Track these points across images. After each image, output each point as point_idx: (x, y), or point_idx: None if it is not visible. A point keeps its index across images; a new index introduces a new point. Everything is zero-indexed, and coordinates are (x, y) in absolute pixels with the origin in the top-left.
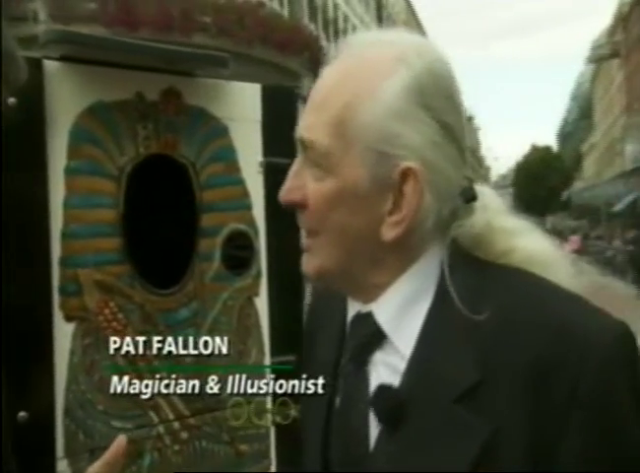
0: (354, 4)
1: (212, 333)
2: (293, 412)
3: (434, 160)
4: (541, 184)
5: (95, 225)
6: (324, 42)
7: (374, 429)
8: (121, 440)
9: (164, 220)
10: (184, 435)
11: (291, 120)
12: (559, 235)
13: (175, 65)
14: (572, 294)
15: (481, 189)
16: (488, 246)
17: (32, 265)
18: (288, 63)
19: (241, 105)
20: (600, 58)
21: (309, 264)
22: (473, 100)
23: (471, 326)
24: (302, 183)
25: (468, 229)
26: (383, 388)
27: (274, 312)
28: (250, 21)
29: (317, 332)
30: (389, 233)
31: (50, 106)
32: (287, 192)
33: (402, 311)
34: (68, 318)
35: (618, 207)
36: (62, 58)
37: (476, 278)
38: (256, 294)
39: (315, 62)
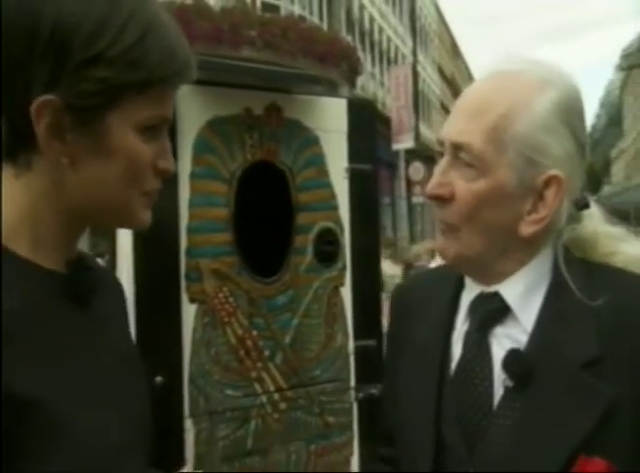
0: (389, 16)
1: (305, 318)
2: (374, 390)
3: (571, 171)
4: None
5: (212, 221)
6: (360, 53)
7: (498, 389)
8: None
9: (266, 218)
10: (283, 405)
11: (371, 131)
12: None
13: (277, 83)
14: None
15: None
16: (592, 250)
17: (164, 255)
18: (327, 73)
19: (330, 118)
20: (630, 66)
21: (449, 250)
22: None
23: (588, 310)
24: (450, 181)
25: (577, 232)
26: (515, 352)
27: (356, 301)
28: (293, 34)
29: (413, 319)
30: (527, 229)
31: (180, 122)
32: (434, 187)
33: (525, 293)
34: (191, 300)
35: None
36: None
37: (586, 273)
38: (342, 284)
39: (353, 72)
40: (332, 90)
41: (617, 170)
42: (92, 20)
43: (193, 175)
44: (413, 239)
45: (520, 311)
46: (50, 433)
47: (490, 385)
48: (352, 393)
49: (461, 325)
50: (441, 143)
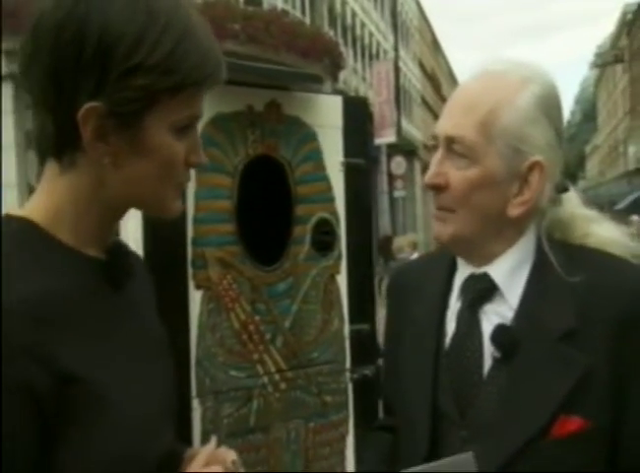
0: (371, 12)
1: (303, 304)
2: (368, 372)
3: (552, 157)
4: None
5: (216, 212)
6: (343, 48)
7: (487, 360)
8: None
9: (267, 209)
10: (283, 385)
11: (365, 127)
12: None
13: (277, 81)
14: None
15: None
16: (569, 230)
17: (172, 244)
18: (310, 68)
19: (327, 114)
20: (604, 63)
21: (444, 232)
22: None
23: (566, 287)
24: (445, 171)
25: (557, 214)
26: (501, 327)
27: (351, 288)
28: (276, 28)
29: (410, 298)
30: (514, 210)
31: None
32: (431, 177)
33: (511, 273)
34: (197, 287)
35: (621, 205)
36: None
37: (565, 253)
38: (338, 272)
39: (335, 67)
40: (319, 85)
41: (592, 166)
42: (132, 31)
43: (199, 169)
44: (395, 233)
45: (506, 290)
46: (94, 405)
47: (480, 357)
48: (348, 374)
49: (454, 304)
50: (435, 137)
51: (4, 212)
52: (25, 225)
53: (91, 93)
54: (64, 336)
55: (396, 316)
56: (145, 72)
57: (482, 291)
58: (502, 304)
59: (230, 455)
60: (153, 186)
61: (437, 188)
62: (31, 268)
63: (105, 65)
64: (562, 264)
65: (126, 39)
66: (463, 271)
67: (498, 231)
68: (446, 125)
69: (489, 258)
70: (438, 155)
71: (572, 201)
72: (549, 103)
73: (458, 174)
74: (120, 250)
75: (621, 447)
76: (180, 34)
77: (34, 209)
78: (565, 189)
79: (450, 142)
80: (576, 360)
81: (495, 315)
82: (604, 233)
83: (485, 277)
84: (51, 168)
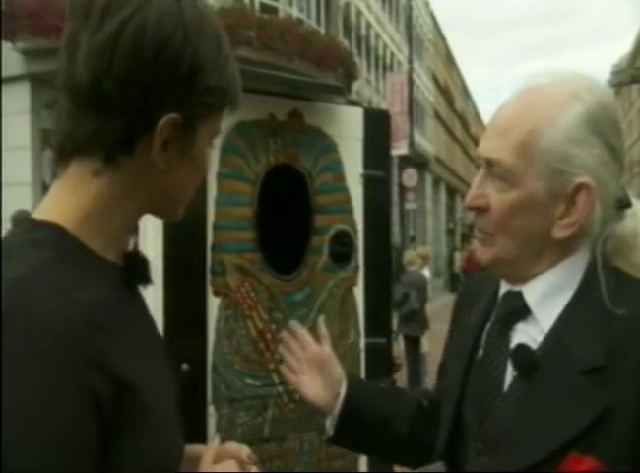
0: (385, 23)
1: (319, 314)
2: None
3: (603, 176)
4: None
5: (236, 220)
6: (357, 59)
7: (509, 376)
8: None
9: (287, 218)
10: (298, 396)
11: (386, 140)
12: None
13: (300, 92)
14: None
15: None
16: (631, 250)
17: (192, 250)
18: (323, 77)
19: (347, 126)
20: (620, 83)
21: (486, 255)
22: None
23: (605, 319)
24: (485, 193)
25: (618, 231)
26: (521, 346)
27: (368, 301)
28: (290, 36)
29: (469, 308)
30: (560, 232)
31: None
32: (471, 199)
33: (547, 295)
34: (215, 293)
35: None
36: None
37: (615, 280)
38: (355, 284)
39: (349, 77)
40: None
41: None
42: (211, 57)
43: (220, 176)
44: (404, 245)
45: (538, 312)
46: (140, 409)
47: (503, 373)
48: None
49: (494, 318)
50: (478, 158)
51: (16, 208)
52: (57, 231)
53: (173, 106)
54: (116, 343)
55: (455, 321)
56: (213, 92)
57: (515, 309)
58: (534, 326)
59: (244, 450)
60: (186, 191)
61: (478, 210)
62: (79, 278)
63: (192, 83)
64: (611, 293)
65: (208, 63)
66: (504, 287)
67: (540, 252)
68: (485, 147)
69: (528, 279)
70: (479, 176)
71: (637, 217)
72: (599, 120)
73: (498, 198)
74: (137, 256)
75: None
76: (235, 65)
77: (62, 213)
78: (628, 205)
79: (489, 165)
80: (596, 397)
81: (525, 336)
82: None
83: (519, 296)
84: (81, 168)
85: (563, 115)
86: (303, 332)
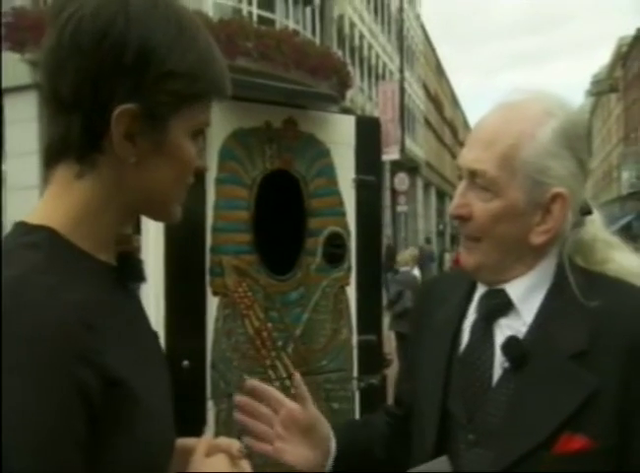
0: (378, 35)
1: (314, 313)
2: (374, 380)
3: (574, 186)
4: None
5: (234, 223)
6: (350, 68)
7: (497, 369)
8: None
9: (282, 221)
10: (293, 391)
11: (377, 146)
12: None
13: (295, 100)
14: None
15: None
16: (590, 254)
17: (191, 251)
18: (318, 86)
19: (340, 132)
20: (599, 92)
21: (470, 261)
22: None
23: (582, 310)
24: (468, 202)
25: (580, 236)
26: (512, 338)
27: (360, 299)
28: (287, 47)
29: (432, 311)
30: (537, 239)
31: (208, 132)
32: (455, 208)
33: (528, 292)
34: (214, 293)
35: (614, 228)
36: None
37: (585, 277)
38: (347, 283)
39: (343, 85)
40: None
41: (586, 190)
42: (165, 41)
43: (218, 181)
44: (397, 247)
45: (521, 306)
46: (132, 405)
47: (491, 367)
48: (355, 382)
49: (471, 315)
50: (459, 169)
51: (23, 211)
52: (49, 234)
53: (126, 95)
54: (106, 340)
55: (419, 322)
56: (176, 78)
57: (498, 305)
58: (517, 320)
59: (235, 445)
60: (168, 188)
61: (461, 219)
62: (67, 278)
63: (142, 70)
64: (581, 288)
65: (161, 47)
66: (482, 287)
67: (519, 258)
68: (468, 158)
69: (507, 282)
70: (462, 186)
71: (595, 223)
72: (571, 136)
73: (481, 206)
74: (129, 255)
75: (630, 471)
76: (202, 48)
77: (51, 216)
78: (589, 212)
79: (473, 175)
80: (585, 380)
81: (509, 329)
82: (624, 262)
83: (502, 293)
84: (65, 172)
85: (540, 131)
86: (272, 390)
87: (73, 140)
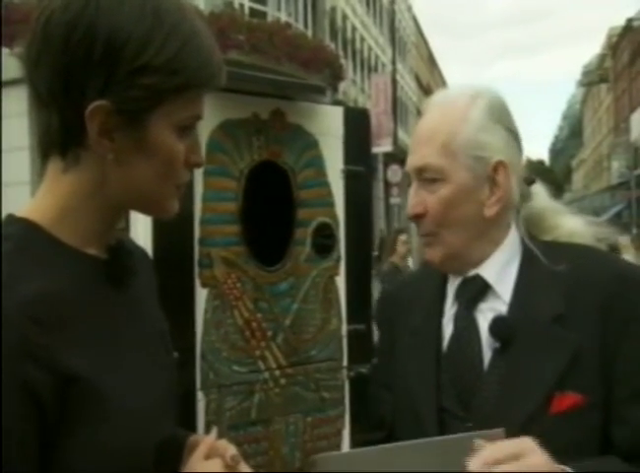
0: (370, 27)
1: (303, 303)
2: (364, 369)
3: (511, 154)
4: None
5: (222, 214)
6: (343, 61)
7: (487, 354)
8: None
9: (271, 212)
10: (283, 381)
11: (365, 137)
12: None
13: (282, 91)
14: (615, 255)
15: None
16: (541, 222)
17: (180, 243)
18: (311, 79)
19: (328, 124)
20: (590, 82)
21: (435, 255)
22: None
23: (553, 276)
24: (422, 199)
25: (529, 209)
26: (498, 318)
27: (349, 289)
28: (279, 39)
29: (406, 315)
30: (490, 210)
31: None
32: (412, 208)
33: (501, 271)
34: (203, 285)
35: (605, 217)
36: None
37: (545, 246)
38: (337, 273)
39: (335, 78)
40: (322, 96)
41: (578, 179)
42: (140, 33)
43: (206, 173)
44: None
45: (498, 287)
46: (95, 402)
47: (480, 352)
48: (345, 372)
49: (449, 310)
50: (408, 176)
51: (16, 206)
52: (25, 226)
53: (98, 91)
54: (64, 336)
55: (392, 333)
56: (151, 72)
57: (476, 291)
58: (496, 301)
59: (230, 450)
60: (153, 185)
61: (419, 217)
62: (30, 270)
63: (114, 64)
64: (546, 256)
65: (134, 40)
66: (454, 278)
67: (482, 234)
68: (413, 159)
69: (479, 263)
70: (413, 188)
71: (541, 195)
72: (498, 110)
73: (433, 199)
74: (122, 249)
75: (614, 419)
76: (185, 37)
77: (36, 209)
78: (533, 181)
79: (420, 172)
80: (567, 339)
81: (491, 312)
82: (571, 224)
83: (477, 278)
84: (54, 167)
85: (471, 111)
86: None
87: (54, 136)
